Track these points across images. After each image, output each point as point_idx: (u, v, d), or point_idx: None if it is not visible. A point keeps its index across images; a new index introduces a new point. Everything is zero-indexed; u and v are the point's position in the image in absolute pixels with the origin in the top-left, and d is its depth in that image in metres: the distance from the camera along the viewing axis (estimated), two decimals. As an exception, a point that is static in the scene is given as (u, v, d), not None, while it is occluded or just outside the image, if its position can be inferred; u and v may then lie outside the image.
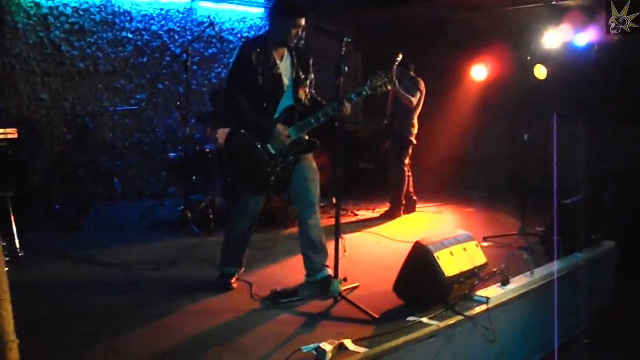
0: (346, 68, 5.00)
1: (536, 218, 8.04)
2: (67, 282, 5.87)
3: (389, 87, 5.54)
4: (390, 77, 5.46)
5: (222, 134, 8.68)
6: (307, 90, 5.65)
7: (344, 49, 4.98)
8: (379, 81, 5.40)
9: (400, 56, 9.12)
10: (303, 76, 5.56)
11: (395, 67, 9.08)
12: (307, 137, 5.55)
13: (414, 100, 9.25)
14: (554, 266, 6.14)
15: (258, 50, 5.36)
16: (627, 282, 7.68)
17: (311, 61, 5.67)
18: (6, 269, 5.67)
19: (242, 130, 5.44)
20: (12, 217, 6.51)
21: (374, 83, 5.39)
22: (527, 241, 7.40)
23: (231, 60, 5.51)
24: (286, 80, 5.47)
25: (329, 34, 5.15)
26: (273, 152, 5.38)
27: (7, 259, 5.99)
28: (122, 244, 7.46)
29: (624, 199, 9.88)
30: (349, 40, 5.02)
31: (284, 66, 5.49)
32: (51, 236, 7.88)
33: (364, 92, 5.40)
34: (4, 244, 6.11)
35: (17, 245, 6.47)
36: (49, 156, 10.30)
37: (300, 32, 5.39)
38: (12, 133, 7.56)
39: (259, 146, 5.38)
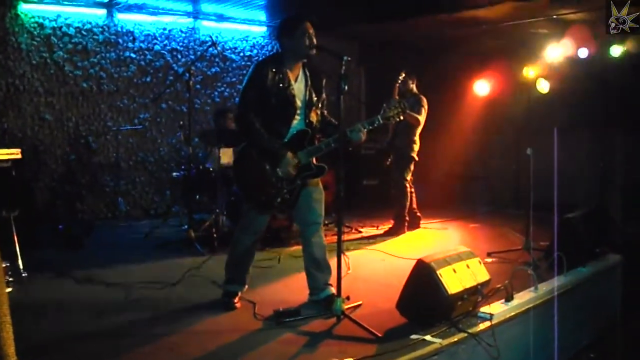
0: (346, 87, 5.00)
1: (541, 233, 8.03)
2: (70, 302, 5.85)
3: (401, 117, 5.54)
4: (403, 106, 5.46)
5: (224, 153, 8.70)
6: (319, 111, 5.63)
7: (344, 68, 4.98)
8: (393, 111, 5.40)
9: (404, 75, 9.15)
10: (316, 98, 5.53)
11: (398, 85, 9.10)
12: (315, 162, 5.54)
13: (421, 119, 9.26)
14: (558, 282, 6.12)
15: (274, 69, 5.32)
16: (633, 295, 7.64)
17: (324, 82, 5.65)
18: (9, 289, 5.72)
19: (253, 150, 5.42)
20: (16, 237, 6.50)
21: (387, 113, 5.39)
22: (531, 256, 7.38)
23: (245, 78, 5.45)
24: (299, 102, 5.43)
25: (330, 52, 5.13)
26: (281, 175, 5.37)
27: (10, 279, 6.03)
28: (126, 263, 7.46)
29: (630, 211, 9.86)
30: (349, 59, 5.02)
31: (299, 87, 5.45)
32: (55, 256, 7.87)
33: (377, 122, 5.39)
34: (8, 264, 6.12)
35: (21, 266, 6.45)
36: (53, 176, 10.32)
37: (313, 39, 5.33)
38: (15, 154, 7.59)
39: (268, 168, 5.35)
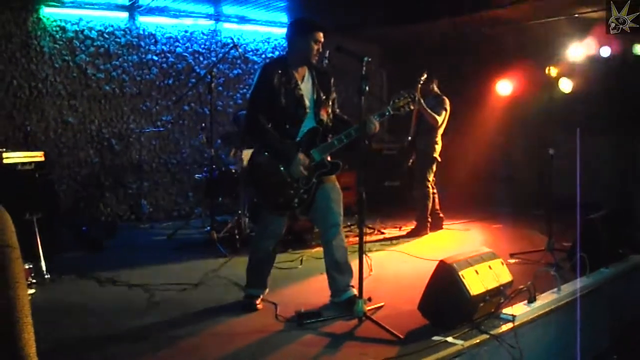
0: (367, 88, 4.99)
1: (564, 233, 7.98)
2: (92, 304, 5.88)
3: (412, 107, 5.54)
4: (413, 96, 5.47)
5: (247, 154, 8.72)
6: (330, 110, 5.63)
7: (364, 69, 4.98)
8: (402, 101, 5.41)
9: (425, 75, 9.11)
10: (324, 97, 5.53)
11: (419, 86, 9.06)
12: (330, 159, 5.55)
13: (440, 119, 9.21)
14: (581, 283, 6.08)
15: (280, 71, 5.35)
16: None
17: (332, 81, 5.67)
18: (32, 290, 5.76)
19: (266, 152, 5.43)
20: (39, 239, 6.54)
21: (396, 103, 5.41)
22: (554, 257, 7.33)
23: (253, 82, 5.50)
24: (307, 102, 5.45)
25: (350, 53, 5.13)
26: (296, 175, 5.38)
27: (33, 281, 6.06)
28: (149, 265, 7.50)
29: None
30: (369, 60, 5.01)
31: (306, 87, 5.47)
32: (78, 258, 7.92)
33: (387, 113, 5.42)
34: (31, 266, 6.15)
35: (44, 267, 6.49)
36: (76, 178, 10.38)
37: (320, 48, 5.38)
38: (39, 156, 7.65)
39: (282, 169, 5.35)
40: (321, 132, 5.46)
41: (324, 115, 5.53)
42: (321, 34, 5.35)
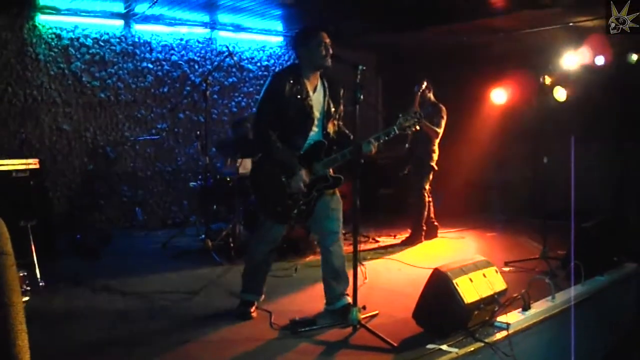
0: (362, 97, 4.99)
1: (558, 241, 7.98)
2: (86, 311, 5.88)
3: (417, 128, 5.53)
4: (420, 117, 5.44)
5: (241, 163, 8.71)
6: (336, 122, 5.63)
7: (359, 77, 4.97)
8: (409, 122, 5.37)
9: (425, 84, 9.13)
10: (333, 109, 5.52)
11: (419, 94, 9.07)
12: (332, 173, 5.53)
13: (440, 131, 9.23)
14: (576, 291, 6.09)
15: (292, 80, 5.31)
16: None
17: (342, 92, 5.65)
18: (26, 298, 5.74)
19: (269, 161, 5.41)
20: (33, 247, 6.52)
21: (402, 124, 5.37)
22: (549, 265, 7.34)
23: (263, 89, 5.46)
24: (317, 113, 5.42)
25: (345, 62, 5.13)
26: (294, 190, 5.35)
27: (27, 288, 6.03)
28: (143, 273, 7.48)
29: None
30: (364, 68, 5.00)
31: (317, 98, 5.43)
32: (73, 265, 7.87)
33: (392, 132, 5.37)
34: (25, 273, 6.14)
35: (38, 275, 6.46)
36: (71, 186, 10.37)
37: (329, 49, 5.32)
38: (33, 164, 7.64)
39: (284, 179, 5.34)
40: (326, 146, 5.45)
41: (330, 128, 5.53)
42: (324, 34, 5.31)
